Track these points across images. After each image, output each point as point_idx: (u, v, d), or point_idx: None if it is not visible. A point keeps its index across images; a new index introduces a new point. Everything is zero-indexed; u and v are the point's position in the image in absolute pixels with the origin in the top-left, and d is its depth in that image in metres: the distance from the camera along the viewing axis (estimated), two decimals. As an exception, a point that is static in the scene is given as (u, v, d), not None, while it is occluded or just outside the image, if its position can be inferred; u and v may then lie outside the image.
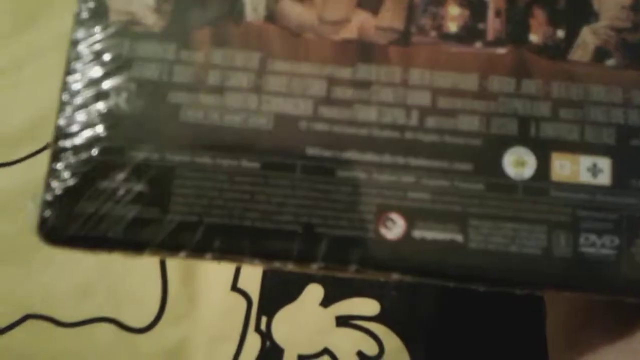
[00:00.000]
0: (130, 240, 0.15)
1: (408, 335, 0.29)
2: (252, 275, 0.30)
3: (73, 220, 0.15)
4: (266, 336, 0.29)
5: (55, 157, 0.15)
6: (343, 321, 0.29)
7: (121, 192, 0.15)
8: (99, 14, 0.16)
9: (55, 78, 0.34)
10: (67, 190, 0.15)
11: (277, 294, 0.30)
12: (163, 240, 0.15)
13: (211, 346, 0.29)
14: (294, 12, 0.16)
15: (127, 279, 0.31)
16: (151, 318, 0.31)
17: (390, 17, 0.16)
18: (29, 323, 0.30)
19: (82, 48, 0.16)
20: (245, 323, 0.30)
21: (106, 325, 0.31)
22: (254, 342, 0.29)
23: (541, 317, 0.21)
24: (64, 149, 0.15)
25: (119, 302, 0.31)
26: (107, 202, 0.15)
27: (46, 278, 0.31)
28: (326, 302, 0.30)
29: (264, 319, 0.30)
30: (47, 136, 0.35)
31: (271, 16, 0.16)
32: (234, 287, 0.31)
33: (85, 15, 0.16)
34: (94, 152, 0.15)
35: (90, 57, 0.15)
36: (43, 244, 0.16)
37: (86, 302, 0.31)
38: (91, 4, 0.16)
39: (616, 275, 0.15)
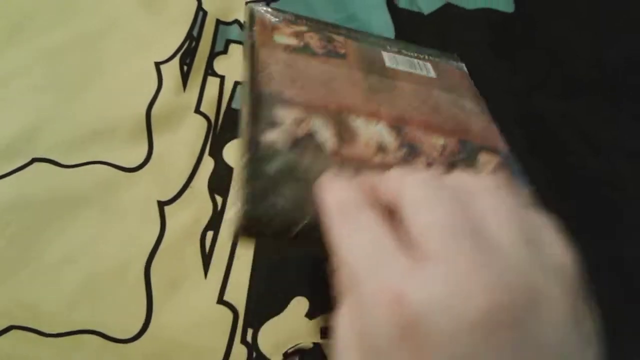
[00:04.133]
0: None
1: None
2: (238, 288, 0.32)
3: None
4: (252, 347, 0.31)
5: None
6: (329, 333, 0.29)
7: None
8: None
9: (41, 93, 0.37)
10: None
11: (263, 307, 0.31)
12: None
13: (197, 357, 0.30)
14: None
15: (112, 291, 0.32)
16: (137, 329, 0.31)
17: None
18: (13, 333, 0.30)
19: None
20: (232, 334, 0.31)
21: (91, 337, 0.31)
22: (239, 353, 0.31)
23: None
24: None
25: (104, 314, 0.31)
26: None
27: (31, 290, 0.32)
28: (312, 314, 0.32)
29: (249, 331, 0.31)
30: (33, 152, 0.36)
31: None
32: (220, 300, 0.32)
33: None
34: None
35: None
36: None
37: (71, 314, 0.31)
38: None
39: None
